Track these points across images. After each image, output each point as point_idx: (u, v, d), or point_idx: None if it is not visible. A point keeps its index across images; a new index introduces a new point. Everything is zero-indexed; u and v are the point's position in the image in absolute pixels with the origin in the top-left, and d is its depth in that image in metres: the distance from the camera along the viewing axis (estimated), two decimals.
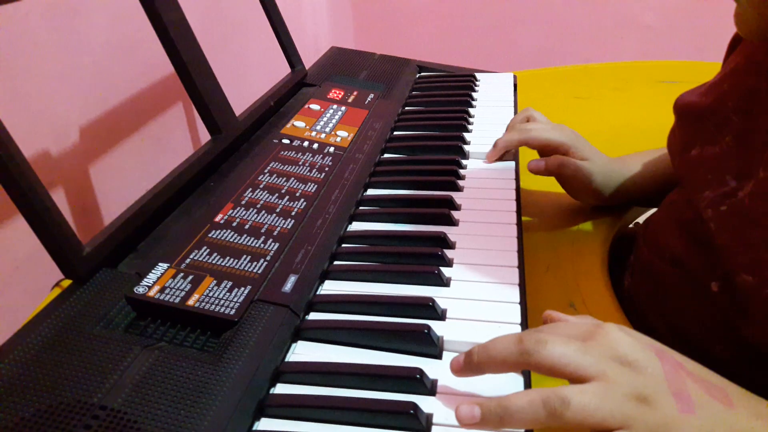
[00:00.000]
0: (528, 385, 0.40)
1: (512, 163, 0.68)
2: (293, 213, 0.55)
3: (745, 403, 0.33)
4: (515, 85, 0.91)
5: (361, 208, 0.61)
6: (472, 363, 0.37)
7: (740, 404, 0.33)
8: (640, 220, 0.76)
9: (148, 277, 0.45)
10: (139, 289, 0.43)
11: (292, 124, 0.71)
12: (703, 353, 0.49)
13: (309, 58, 0.96)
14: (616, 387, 0.32)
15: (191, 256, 0.47)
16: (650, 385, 0.32)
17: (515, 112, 0.83)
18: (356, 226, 0.58)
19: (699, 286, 0.48)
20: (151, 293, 0.43)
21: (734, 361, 0.46)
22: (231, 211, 0.53)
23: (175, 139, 0.92)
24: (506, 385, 0.39)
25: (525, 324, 0.45)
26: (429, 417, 0.37)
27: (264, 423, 0.37)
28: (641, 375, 0.33)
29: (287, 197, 0.57)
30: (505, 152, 0.67)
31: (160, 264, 0.46)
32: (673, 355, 0.35)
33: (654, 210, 0.64)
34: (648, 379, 0.33)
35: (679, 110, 0.55)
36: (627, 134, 0.84)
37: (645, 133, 0.81)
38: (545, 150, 0.66)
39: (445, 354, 0.42)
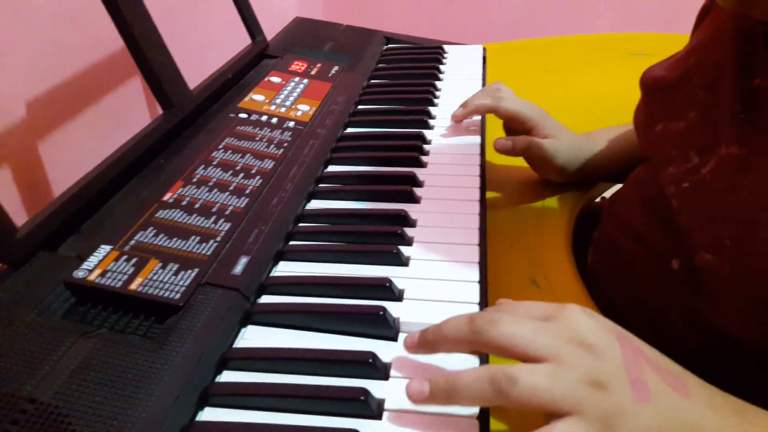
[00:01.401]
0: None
1: (477, 138, 0.66)
2: (248, 191, 0.52)
3: (700, 393, 0.33)
4: (484, 58, 0.89)
5: (320, 185, 0.59)
6: (425, 341, 0.36)
7: (696, 394, 0.32)
8: (607, 194, 0.75)
9: (89, 260, 0.42)
10: (79, 273, 0.41)
11: (251, 98, 0.68)
12: (663, 330, 0.48)
13: (276, 30, 0.93)
14: (570, 370, 0.31)
15: (136, 238, 0.45)
16: (607, 371, 0.31)
17: (483, 86, 0.81)
18: (315, 204, 0.56)
19: (660, 263, 0.47)
20: (92, 277, 0.41)
21: (693, 338, 0.45)
22: (181, 190, 0.51)
23: (132, 114, 0.89)
24: (462, 366, 0.38)
25: (484, 303, 0.44)
26: (381, 402, 0.36)
27: (207, 413, 0.35)
28: (599, 360, 0.31)
29: (242, 174, 0.54)
30: (473, 114, 0.66)
31: (102, 246, 0.44)
32: (633, 341, 0.33)
33: (620, 185, 0.63)
34: (606, 364, 0.31)
35: (645, 85, 0.54)
36: (596, 107, 0.83)
37: (614, 106, 0.80)
38: (512, 123, 0.64)
39: (401, 336, 0.41)
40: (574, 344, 0.32)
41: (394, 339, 0.41)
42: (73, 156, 0.76)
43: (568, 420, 0.30)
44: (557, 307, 0.34)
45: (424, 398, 0.33)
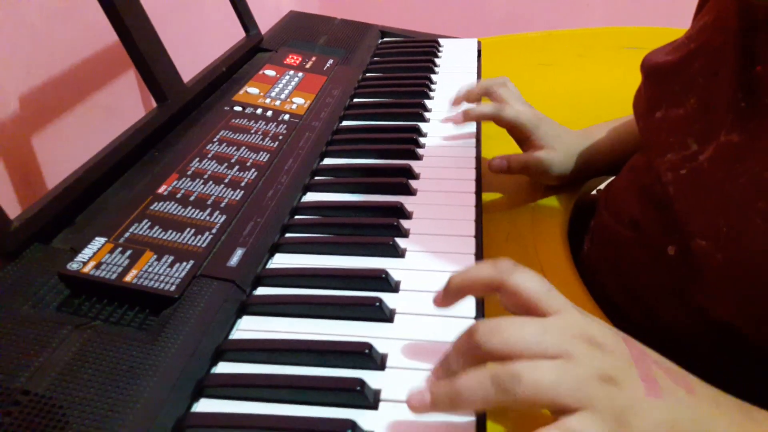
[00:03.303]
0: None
1: (473, 130, 0.66)
2: (243, 183, 0.52)
3: (705, 392, 0.32)
4: (479, 52, 0.89)
5: (316, 178, 0.58)
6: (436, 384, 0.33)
7: (700, 392, 0.32)
8: (603, 186, 0.75)
9: (83, 252, 0.42)
10: (73, 266, 0.41)
11: (245, 91, 0.68)
12: (657, 317, 0.48)
13: (271, 23, 0.92)
14: (579, 366, 0.30)
15: (131, 230, 0.45)
16: (618, 366, 0.31)
17: (478, 79, 0.81)
18: (310, 196, 0.56)
19: (656, 250, 0.47)
20: (86, 269, 0.41)
21: (687, 325, 0.45)
22: (176, 182, 0.50)
23: (126, 107, 0.88)
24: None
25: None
26: (377, 393, 0.36)
27: (203, 404, 0.35)
28: (609, 355, 0.31)
29: (237, 167, 0.54)
30: (473, 120, 0.64)
31: (97, 238, 0.43)
32: (636, 343, 0.33)
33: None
34: (616, 360, 0.31)
35: (645, 70, 0.53)
36: (591, 101, 0.83)
37: (608, 99, 0.80)
38: (512, 131, 0.63)
39: (397, 326, 0.41)
40: (581, 340, 0.31)
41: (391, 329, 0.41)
42: (68, 149, 0.76)
43: (580, 414, 0.29)
44: (557, 310, 0.33)
45: (426, 408, 0.32)
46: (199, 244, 0.44)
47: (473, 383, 0.30)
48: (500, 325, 0.31)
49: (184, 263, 0.42)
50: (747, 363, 0.42)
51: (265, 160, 0.56)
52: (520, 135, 0.62)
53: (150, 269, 0.41)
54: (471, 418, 0.34)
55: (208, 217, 0.47)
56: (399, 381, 0.36)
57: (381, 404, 0.35)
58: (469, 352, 0.32)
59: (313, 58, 0.79)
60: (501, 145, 0.65)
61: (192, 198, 0.49)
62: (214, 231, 0.46)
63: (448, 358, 0.34)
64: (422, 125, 0.67)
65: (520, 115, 0.61)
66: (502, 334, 0.31)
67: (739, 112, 0.41)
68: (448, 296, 0.37)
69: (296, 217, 0.52)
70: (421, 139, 0.65)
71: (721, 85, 0.43)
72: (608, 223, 0.55)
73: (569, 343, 0.31)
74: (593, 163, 0.63)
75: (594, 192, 0.74)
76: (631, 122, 0.63)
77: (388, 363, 0.38)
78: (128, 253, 0.43)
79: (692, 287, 0.43)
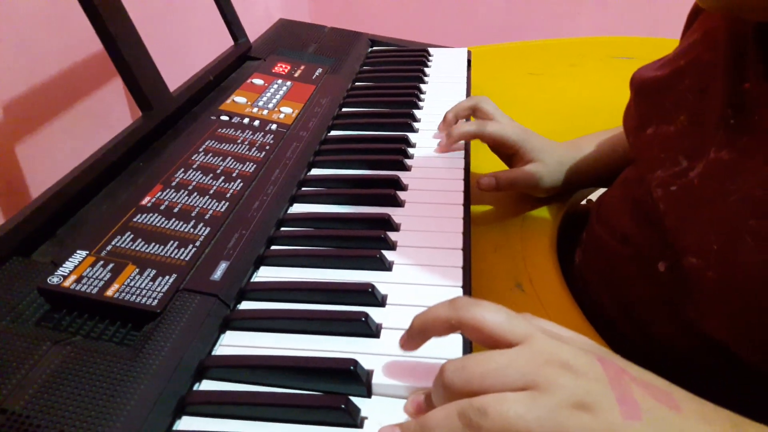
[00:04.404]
0: (468, 348, 0.39)
1: (461, 142, 0.66)
2: (228, 195, 0.51)
3: (692, 407, 0.31)
4: (469, 61, 0.89)
5: (303, 189, 0.58)
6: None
7: (688, 408, 0.31)
8: (593, 197, 0.75)
9: (64, 265, 0.41)
10: (53, 279, 0.40)
11: (233, 100, 0.67)
12: (649, 332, 0.48)
13: (260, 31, 0.92)
14: (549, 395, 0.29)
15: (113, 243, 0.44)
16: (591, 391, 0.29)
17: (468, 88, 0.81)
18: (297, 208, 0.55)
19: (647, 265, 0.47)
20: (67, 283, 0.40)
21: (679, 341, 0.45)
22: (160, 194, 0.50)
23: (113, 116, 0.87)
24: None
25: None
26: (361, 411, 0.35)
27: (185, 422, 0.34)
28: (581, 379, 0.30)
29: (222, 178, 0.53)
30: (458, 141, 0.64)
31: (78, 251, 0.43)
32: (614, 360, 0.32)
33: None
34: (589, 383, 0.30)
35: (635, 86, 0.53)
36: (581, 110, 0.83)
37: (599, 109, 0.81)
38: (497, 147, 0.64)
39: (383, 341, 0.40)
40: (550, 367, 0.30)
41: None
42: (53, 159, 0.75)
43: None
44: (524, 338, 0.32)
45: None
46: (182, 257, 0.44)
47: (441, 418, 0.30)
48: (466, 362, 0.31)
49: (167, 277, 0.42)
50: (739, 377, 0.41)
51: (251, 171, 0.55)
52: (507, 150, 0.62)
53: (132, 283, 0.41)
54: None
55: (192, 230, 0.47)
56: (384, 399, 0.36)
57: (366, 422, 0.34)
58: (442, 393, 0.31)
59: (302, 67, 0.79)
60: (491, 154, 0.65)
61: (176, 210, 0.48)
62: (197, 244, 0.45)
63: (424, 400, 0.34)
64: (411, 135, 0.67)
65: (506, 130, 0.61)
66: (468, 371, 0.30)
67: (729, 130, 0.41)
68: (412, 338, 0.36)
69: (282, 229, 0.52)
70: (410, 150, 0.64)
71: (711, 102, 0.43)
72: (600, 235, 0.55)
73: (537, 371, 0.30)
74: (582, 175, 0.63)
75: (584, 202, 0.74)
76: (620, 135, 0.63)
77: (374, 380, 0.37)
78: (110, 266, 0.42)
79: (683, 303, 0.43)
